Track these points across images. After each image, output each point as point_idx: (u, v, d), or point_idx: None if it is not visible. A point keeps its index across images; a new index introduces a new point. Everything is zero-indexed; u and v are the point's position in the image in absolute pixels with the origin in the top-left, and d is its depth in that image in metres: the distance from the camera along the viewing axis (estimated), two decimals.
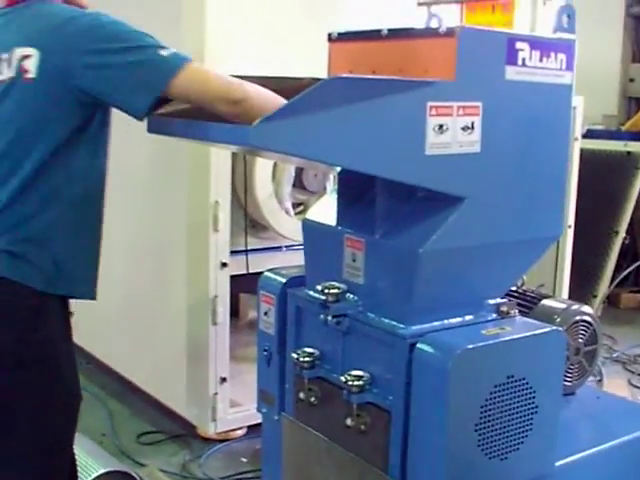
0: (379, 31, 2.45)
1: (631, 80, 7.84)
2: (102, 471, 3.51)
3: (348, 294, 2.46)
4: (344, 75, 2.18)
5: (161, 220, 4.20)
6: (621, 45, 7.86)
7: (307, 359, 2.54)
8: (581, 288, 6.10)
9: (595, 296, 6.49)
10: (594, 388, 3.80)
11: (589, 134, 7.09)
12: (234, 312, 4.96)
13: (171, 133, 2.47)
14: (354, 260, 2.46)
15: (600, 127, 7.65)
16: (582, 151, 5.41)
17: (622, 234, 6.59)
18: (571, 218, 5.26)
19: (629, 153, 6.74)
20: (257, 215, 4.13)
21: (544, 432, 2.42)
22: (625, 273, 6.82)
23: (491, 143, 2.32)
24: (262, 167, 3.99)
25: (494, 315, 2.47)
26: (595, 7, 7.60)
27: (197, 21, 3.74)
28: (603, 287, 6.52)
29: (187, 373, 4.10)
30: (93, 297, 2.76)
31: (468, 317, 2.44)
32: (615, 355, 5.80)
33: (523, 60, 2.36)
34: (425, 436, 2.25)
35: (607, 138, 7.13)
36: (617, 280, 6.71)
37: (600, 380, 5.24)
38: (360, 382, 2.35)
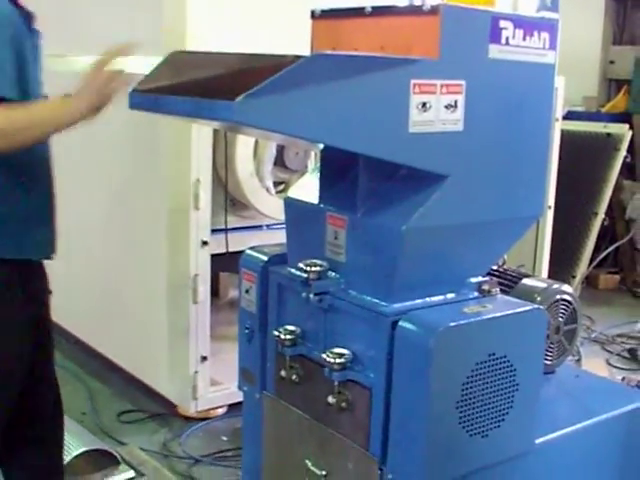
0: (362, 8, 2.43)
1: (611, 62, 7.86)
2: (82, 449, 3.51)
3: (330, 272, 2.46)
4: (326, 52, 2.17)
5: (142, 198, 4.17)
6: (602, 27, 7.87)
7: (289, 337, 2.54)
8: (560, 269, 6.14)
9: (574, 277, 6.53)
10: (573, 367, 3.82)
11: (569, 115, 7.12)
12: (214, 291, 4.96)
13: (153, 109, 2.44)
14: (336, 238, 2.46)
15: (580, 109, 7.67)
16: (562, 132, 5.43)
17: (601, 215, 6.63)
18: (551, 199, 5.28)
19: (609, 135, 6.76)
20: (238, 193, 4.12)
21: (525, 410, 2.43)
22: (604, 254, 6.86)
23: (474, 121, 2.32)
24: (243, 145, 3.98)
25: (476, 293, 2.48)
26: None
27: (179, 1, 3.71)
28: (582, 268, 6.56)
29: (168, 352, 4.09)
30: (47, 257, 2.88)
31: (450, 295, 2.44)
32: (593, 335, 5.84)
33: (506, 39, 2.35)
34: (406, 413, 2.25)
35: (587, 120, 7.15)
36: (596, 261, 6.75)
37: (579, 360, 5.26)
38: (342, 360, 2.35)
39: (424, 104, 2.21)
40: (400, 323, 2.24)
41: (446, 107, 2.26)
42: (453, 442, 2.28)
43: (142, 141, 4.09)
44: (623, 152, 6.66)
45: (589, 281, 7.00)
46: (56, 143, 4.87)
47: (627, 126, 6.78)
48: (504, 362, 2.32)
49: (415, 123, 2.21)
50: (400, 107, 2.18)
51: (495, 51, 2.34)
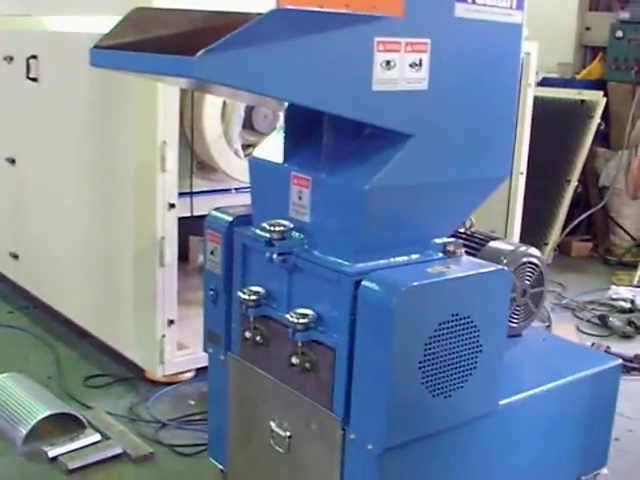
0: None
1: (587, 29, 7.82)
2: (47, 413, 3.49)
3: (294, 232, 2.44)
4: (287, 7, 2.14)
5: (107, 160, 4.13)
6: None
7: (253, 297, 2.53)
8: (533, 236, 6.13)
9: (546, 244, 6.53)
10: (540, 331, 3.83)
11: (544, 82, 7.10)
12: (184, 256, 4.92)
13: (114, 66, 2.41)
14: (300, 198, 2.44)
15: (555, 75, 7.65)
16: (536, 99, 5.40)
17: (574, 183, 6.63)
18: (523, 165, 5.28)
19: (582, 102, 6.75)
20: (206, 156, 4.07)
21: (488, 371, 2.44)
22: (576, 222, 6.88)
23: (439, 81, 2.31)
24: (211, 107, 3.93)
25: (440, 254, 2.48)
26: None
27: None
28: (554, 235, 6.57)
29: (135, 316, 4.06)
30: None
31: (414, 256, 2.44)
32: (564, 302, 5.85)
33: None
34: (369, 374, 2.25)
35: (562, 86, 7.13)
36: (568, 228, 6.77)
37: (549, 326, 5.30)
38: (305, 320, 2.35)
39: (388, 62, 2.19)
40: (363, 283, 2.23)
41: (410, 65, 2.24)
42: (415, 402, 2.28)
43: (108, 102, 4.04)
44: (597, 119, 6.65)
45: (562, 248, 7.00)
46: (17, 104, 4.85)
47: (601, 93, 6.77)
48: (468, 323, 2.32)
49: (379, 81, 2.19)
50: (363, 65, 2.16)
51: (461, 10, 2.32)
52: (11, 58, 4.81)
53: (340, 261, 2.33)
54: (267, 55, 2.00)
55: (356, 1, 2.30)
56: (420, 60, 2.26)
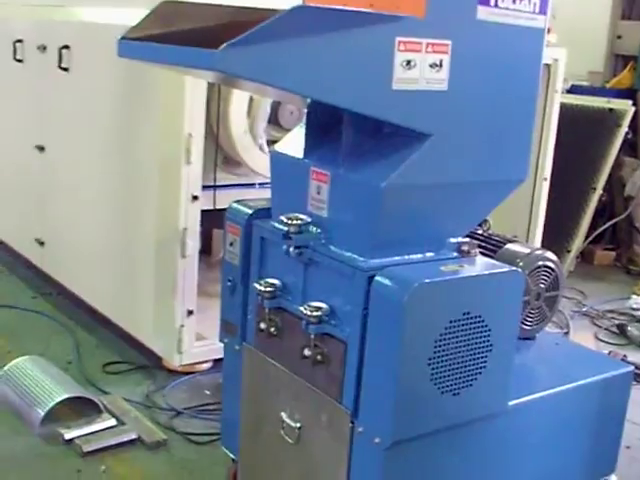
0: None
1: (619, 37, 7.80)
2: (65, 396, 3.55)
3: (312, 226, 2.48)
4: (310, 4, 2.17)
5: (133, 151, 4.18)
6: (610, 1, 7.81)
7: (269, 289, 2.57)
8: (556, 242, 6.15)
9: (569, 251, 6.54)
10: (554, 335, 3.85)
11: (574, 90, 7.11)
12: (207, 249, 4.98)
13: (140, 57, 2.46)
14: (319, 192, 2.48)
15: (585, 83, 7.64)
16: (565, 106, 5.41)
17: (599, 191, 6.62)
18: (547, 171, 5.28)
19: (611, 110, 6.74)
20: (231, 151, 4.12)
21: (498, 371, 2.46)
22: (600, 230, 6.87)
23: (459, 82, 2.33)
24: (237, 102, 3.98)
25: (455, 254, 2.50)
26: None
27: None
28: (577, 243, 6.57)
29: (154, 305, 4.12)
30: None
31: (429, 254, 2.47)
32: (584, 309, 5.85)
33: (496, 1, 2.35)
34: (379, 368, 2.28)
35: (591, 94, 7.12)
36: (592, 237, 6.76)
37: (567, 333, 5.30)
38: (319, 313, 2.38)
39: (409, 62, 2.22)
40: (376, 278, 2.27)
41: (431, 66, 2.27)
42: (424, 398, 2.31)
43: (136, 94, 4.09)
44: (624, 128, 6.65)
45: (585, 256, 7.00)
46: (45, 93, 4.91)
47: (630, 102, 6.76)
48: (479, 322, 2.35)
49: (399, 80, 2.22)
50: (384, 64, 2.19)
51: (484, 12, 2.34)
52: (44, 47, 4.88)
53: (355, 256, 2.37)
54: (289, 51, 2.04)
55: (380, 1, 2.33)
56: (441, 61, 2.29)
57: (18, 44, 5.19)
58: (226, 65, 2.02)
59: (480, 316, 2.35)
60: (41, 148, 5.07)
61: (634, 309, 5.88)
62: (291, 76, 2.09)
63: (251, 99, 4.03)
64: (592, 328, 5.57)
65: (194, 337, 4.09)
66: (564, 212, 6.47)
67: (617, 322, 5.62)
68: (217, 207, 4.04)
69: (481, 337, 2.37)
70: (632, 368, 3.01)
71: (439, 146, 2.33)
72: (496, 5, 2.36)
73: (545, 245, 5.28)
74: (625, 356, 4.79)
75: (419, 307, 2.22)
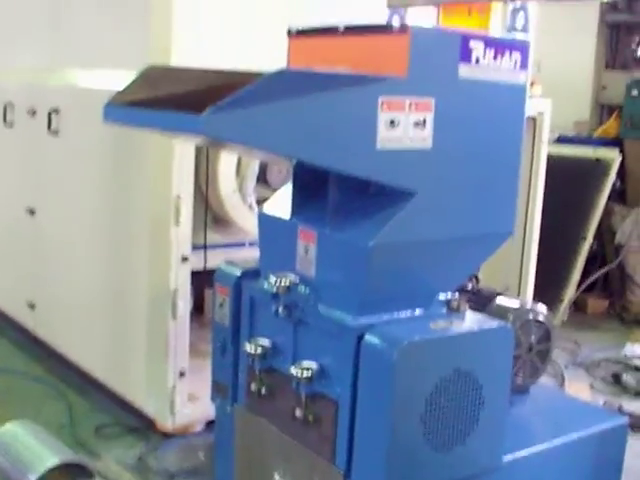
0: (336, 28, 2.48)
1: (603, 87, 7.90)
2: (57, 462, 3.51)
3: (300, 286, 2.48)
4: (292, 68, 2.20)
5: (123, 213, 4.19)
6: (594, 52, 7.91)
7: (259, 350, 2.57)
8: (548, 292, 6.14)
9: (562, 301, 6.53)
10: (548, 388, 3.83)
11: (561, 140, 7.16)
12: (199, 308, 4.96)
13: (125, 122, 2.49)
14: (306, 252, 2.49)
15: (572, 133, 7.70)
16: (552, 156, 5.44)
17: (590, 240, 6.64)
18: (537, 221, 5.29)
19: (598, 160, 6.79)
20: (220, 210, 4.13)
21: (491, 426, 2.45)
22: (592, 279, 6.87)
23: (443, 139, 2.36)
24: (226, 162, 3.99)
25: (444, 310, 2.50)
26: (570, 13, 7.67)
27: (165, 16, 3.74)
28: (570, 292, 6.57)
29: (146, 366, 4.10)
30: None
31: (418, 311, 2.47)
32: (578, 359, 5.83)
33: (477, 58, 2.39)
34: (371, 427, 2.27)
35: (578, 144, 7.18)
36: (584, 285, 6.76)
37: (562, 383, 5.28)
38: (309, 373, 2.38)
39: (392, 121, 2.25)
40: (365, 337, 2.27)
41: (415, 124, 2.30)
42: (417, 456, 2.30)
43: (125, 156, 4.12)
44: (612, 177, 6.69)
45: (577, 305, 6.99)
46: (35, 156, 4.94)
47: (617, 151, 6.81)
48: (470, 378, 2.35)
49: (383, 140, 2.24)
50: (368, 124, 2.22)
51: (465, 70, 2.37)
52: (34, 112, 4.92)
53: (344, 315, 2.37)
54: (273, 113, 2.06)
55: (363, 61, 2.37)
56: (424, 119, 2.31)
57: (8, 107, 5.23)
58: (210, 129, 2.04)
59: (471, 372, 2.35)
60: (32, 211, 5.08)
61: (628, 357, 5.86)
62: (275, 139, 2.11)
63: (239, 159, 4.05)
64: (587, 378, 5.55)
65: (187, 398, 4.06)
66: (555, 262, 6.48)
67: (612, 371, 5.60)
68: (208, 267, 4.04)
69: (473, 393, 2.37)
70: (627, 419, 3.00)
71: (425, 203, 2.35)
72: (477, 63, 2.39)
73: (537, 295, 5.29)
74: (621, 406, 4.77)
75: (409, 365, 2.22)
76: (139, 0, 3.95)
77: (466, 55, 2.36)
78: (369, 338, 2.26)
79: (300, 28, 2.61)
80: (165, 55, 3.65)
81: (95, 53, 4.41)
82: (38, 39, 5.06)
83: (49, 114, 4.66)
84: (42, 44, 5.01)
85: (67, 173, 4.69)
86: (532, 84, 5.00)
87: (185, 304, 3.93)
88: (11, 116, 5.21)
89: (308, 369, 2.39)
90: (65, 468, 3.56)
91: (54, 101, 4.68)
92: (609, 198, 6.76)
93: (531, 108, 4.92)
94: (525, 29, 2.54)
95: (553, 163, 5.46)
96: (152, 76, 2.56)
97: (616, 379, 5.45)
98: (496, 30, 4.43)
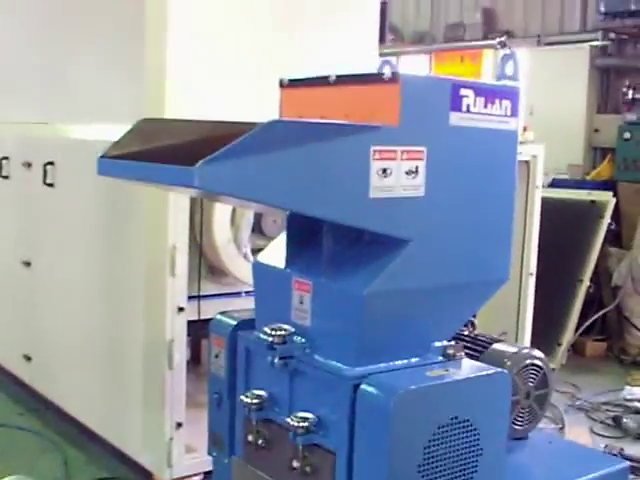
0: (327, 77, 2.49)
1: (596, 130, 7.97)
2: None
3: (296, 336, 2.47)
4: (284, 119, 2.22)
5: (119, 264, 4.20)
6: (586, 96, 7.99)
7: (255, 401, 2.55)
8: (546, 336, 6.14)
9: (560, 344, 6.51)
10: (547, 433, 3.81)
11: (555, 183, 7.20)
12: (196, 358, 4.95)
13: (119, 175, 2.49)
14: (301, 302, 2.48)
15: (566, 176, 7.75)
16: (546, 200, 5.46)
17: (587, 282, 6.64)
18: (532, 266, 5.29)
19: (593, 202, 6.82)
20: (216, 260, 4.13)
21: (490, 474, 2.43)
22: (590, 321, 6.85)
23: (436, 187, 2.36)
24: (221, 212, 4.00)
25: (440, 358, 2.49)
26: (561, 59, 7.76)
27: (158, 67, 3.78)
28: (568, 335, 6.56)
29: (143, 418, 4.07)
30: None
31: (414, 359, 2.46)
32: (578, 403, 5.80)
33: (467, 106, 2.41)
34: (369, 477, 2.25)
35: (572, 187, 7.21)
36: (582, 328, 6.74)
37: (562, 428, 5.25)
38: (306, 423, 2.37)
39: (384, 170, 2.26)
40: (361, 386, 2.26)
41: (407, 173, 2.31)
42: None
43: (120, 208, 4.13)
44: (607, 219, 6.71)
45: (576, 348, 6.97)
46: (31, 208, 4.96)
47: (611, 194, 6.84)
48: (467, 426, 2.33)
49: (376, 189, 2.25)
50: (360, 173, 2.23)
51: (456, 118, 2.39)
52: (29, 164, 4.94)
53: (340, 365, 2.36)
54: (265, 165, 2.07)
55: (355, 111, 2.38)
56: (416, 167, 2.32)
57: (4, 161, 5.25)
58: (203, 182, 2.04)
59: (468, 420, 2.33)
60: (27, 263, 5.08)
61: (628, 400, 5.83)
62: (268, 190, 2.11)
63: (234, 208, 4.06)
64: (587, 422, 5.52)
65: (184, 450, 4.03)
66: (553, 305, 6.48)
67: (612, 414, 5.58)
68: (203, 317, 4.03)
69: (471, 441, 2.35)
70: (627, 464, 2.98)
71: (419, 251, 2.35)
72: (468, 110, 2.41)
73: (535, 339, 5.27)
74: (622, 449, 4.73)
75: (406, 414, 2.21)
76: (133, 55, 3.98)
77: (457, 103, 2.39)
78: (365, 387, 2.25)
79: (292, 78, 2.63)
80: (159, 107, 3.67)
81: (89, 107, 4.45)
82: (34, 94, 5.10)
83: (44, 166, 4.68)
84: (38, 99, 5.05)
85: (62, 225, 4.70)
86: (524, 129, 5.04)
87: (181, 355, 3.91)
88: (7, 169, 5.23)
89: (304, 419, 2.37)
90: None
91: (49, 154, 4.70)
92: (605, 240, 6.77)
93: (524, 152, 4.95)
94: (515, 77, 2.56)
95: (548, 206, 5.48)
96: (146, 129, 2.58)
97: (616, 422, 5.42)
98: (488, 76, 4.48)
